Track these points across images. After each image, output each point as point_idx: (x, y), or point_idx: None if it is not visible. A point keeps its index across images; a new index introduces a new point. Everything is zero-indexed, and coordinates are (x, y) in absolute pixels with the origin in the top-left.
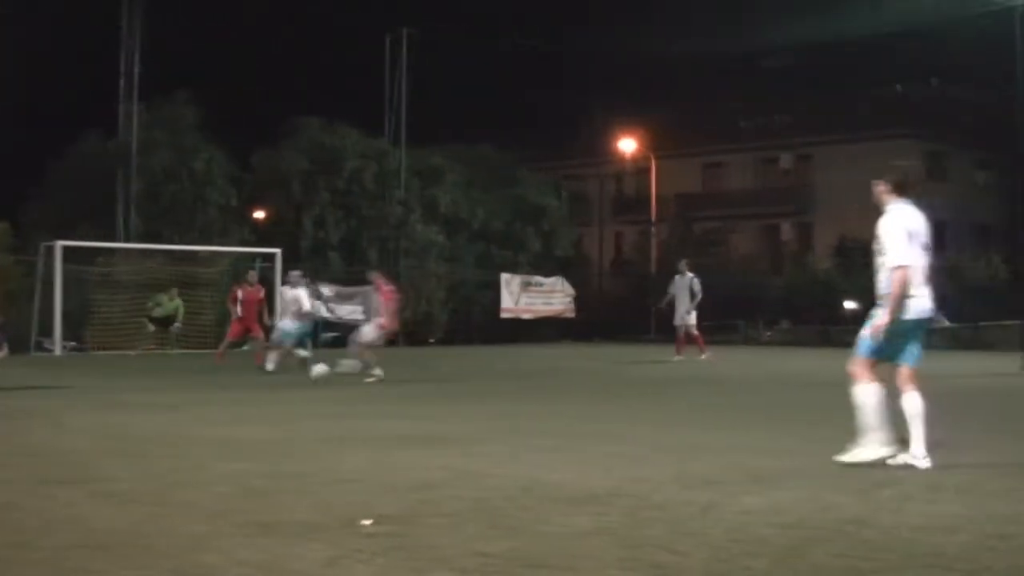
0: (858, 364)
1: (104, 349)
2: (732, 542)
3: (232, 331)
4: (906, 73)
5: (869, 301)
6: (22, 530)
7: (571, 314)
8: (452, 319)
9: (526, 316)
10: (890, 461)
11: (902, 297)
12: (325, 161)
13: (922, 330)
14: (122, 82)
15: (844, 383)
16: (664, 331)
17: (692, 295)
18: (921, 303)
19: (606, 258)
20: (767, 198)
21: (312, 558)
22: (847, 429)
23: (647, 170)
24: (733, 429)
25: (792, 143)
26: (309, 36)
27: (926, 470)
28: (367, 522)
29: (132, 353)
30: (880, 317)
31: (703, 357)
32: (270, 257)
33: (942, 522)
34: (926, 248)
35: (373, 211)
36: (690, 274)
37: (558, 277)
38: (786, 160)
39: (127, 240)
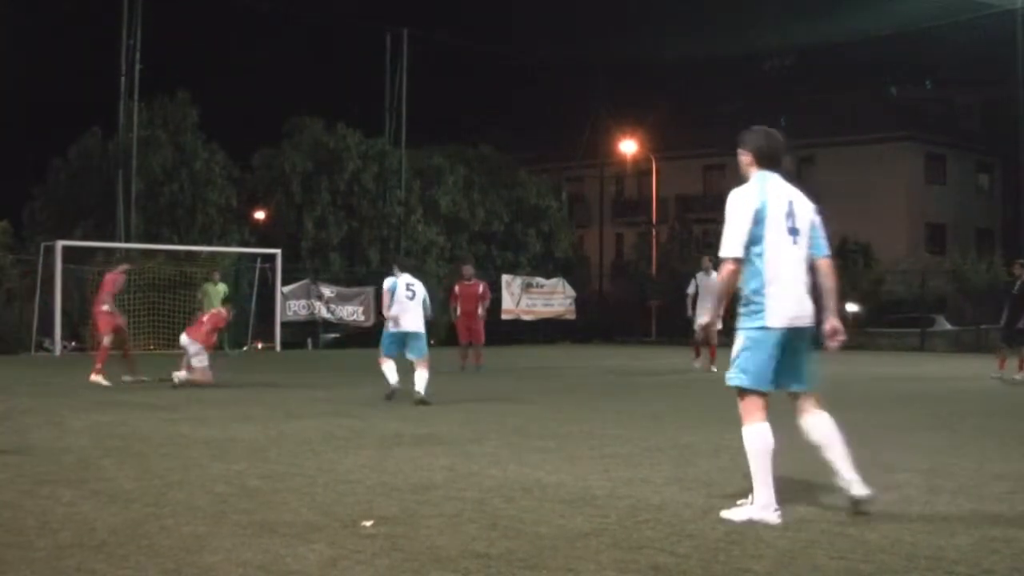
0: (742, 402)
1: None
2: (732, 544)
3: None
4: (907, 75)
5: (870, 303)
6: (21, 530)
7: (571, 315)
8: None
9: (527, 317)
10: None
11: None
12: (326, 161)
13: (804, 342)
14: (122, 81)
15: (839, 384)
16: (665, 332)
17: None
18: (791, 306)
19: (606, 260)
20: None
21: (312, 559)
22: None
23: (648, 172)
24: (731, 431)
25: (793, 145)
26: (310, 36)
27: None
28: (368, 523)
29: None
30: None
31: (699, 365)
32: (270, 258)
33: (942, 525)
34: (793, 233)
35: (374, 211)
36: (716, 273)
37: (559, 278)
38: (787, 162)
39: (127, 240)
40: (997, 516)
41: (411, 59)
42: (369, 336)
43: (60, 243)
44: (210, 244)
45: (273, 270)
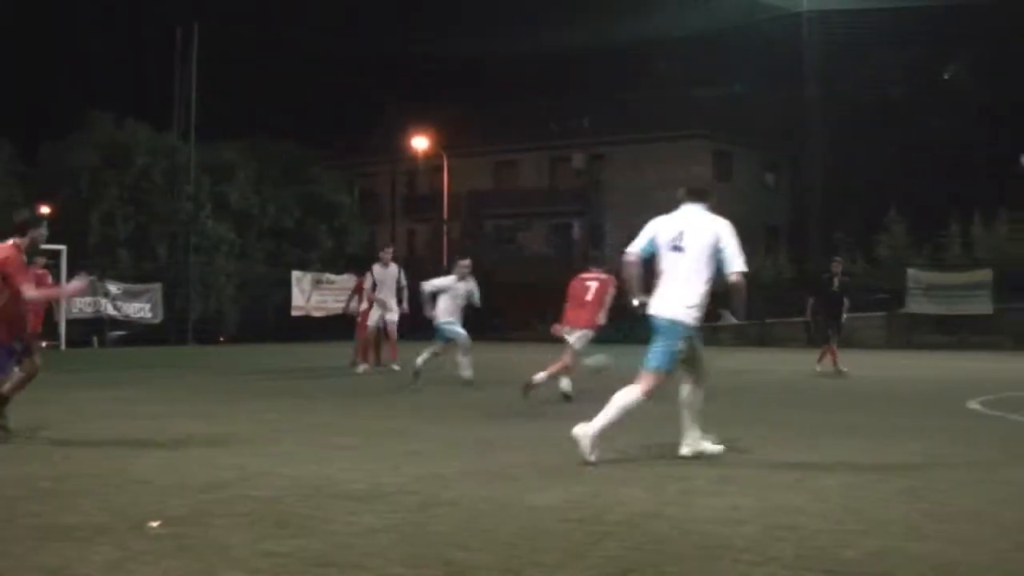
0: None
1: None
2: (524, 538)
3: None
4: (697, 75)
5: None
6: None
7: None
8: (243, 317)
9: (317, 314)
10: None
11: (627, 284)
12: (114, 157)
13: (658, 333)
14: None
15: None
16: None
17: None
18: (655, 302)
19: (398, 256)
20: (559, 197)
21: (99, 561)
22: (645, 424)
23: (440, 168)
24: (527, 426)
25: (585, 143)
26: (99, 29)
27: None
28: (154, 524)
29: None
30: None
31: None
32: (55, 254)
33: (730, 514)
34: (674, 249)
35: (163, 207)
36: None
37: (350, 275)
38: (578, 160)
39: None
40: (783, 505)
41: (202, 53)
42: (157, 333)
43: None
44: None
45: (58, 267)
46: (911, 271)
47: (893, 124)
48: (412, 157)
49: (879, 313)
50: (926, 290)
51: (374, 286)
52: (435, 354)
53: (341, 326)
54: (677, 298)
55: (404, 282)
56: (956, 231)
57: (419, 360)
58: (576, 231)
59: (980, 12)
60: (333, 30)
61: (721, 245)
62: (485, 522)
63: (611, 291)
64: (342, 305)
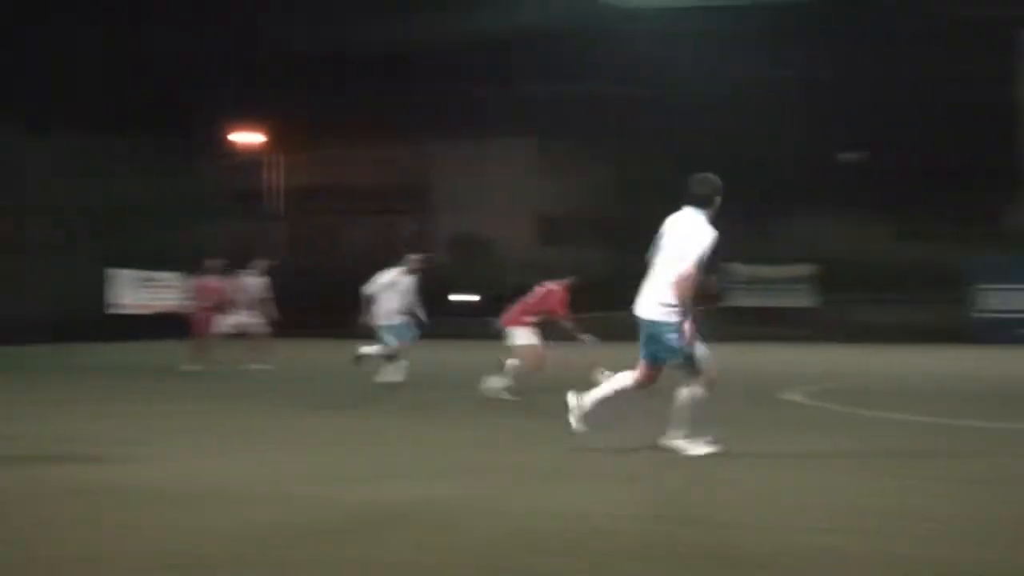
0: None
1: None
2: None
3: None
4: (530, 72)
5: (492, 294)
6: None
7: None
8: (64, 315)
9: (141, 312)
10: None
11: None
12: None
13: (642, 330)
14: None
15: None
16: (290, 325)
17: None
18: (637, 302)
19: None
20: (387, 194)
21: None
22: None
23: (267, 164)
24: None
25: (414, 139)
26: None
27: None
28: None
29: None
30: None
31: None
32: None
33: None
34: (657, 249)
35: None
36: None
37: (175, 272)
38: (407, 156)
39: None
40: (618, 499)
41: (42, 45)
42: None
43: None
44: None
45: None
46: (732, 265)
47: (721, 120)
48: (241, 152)
49: (699, 307)
50: (747, 284)
51: (240, 291)
52: (385, 356)
53: (168, 324)
54: (652, 296)
55: (271, 294)
56: (780, 226)
57: (366, 349)
58: (405, 229)
59: (813, 12)
60: (170, 24)
61: (682, 246)
62: (328, 519)
63: (542, 303)
64: (172, 303)
